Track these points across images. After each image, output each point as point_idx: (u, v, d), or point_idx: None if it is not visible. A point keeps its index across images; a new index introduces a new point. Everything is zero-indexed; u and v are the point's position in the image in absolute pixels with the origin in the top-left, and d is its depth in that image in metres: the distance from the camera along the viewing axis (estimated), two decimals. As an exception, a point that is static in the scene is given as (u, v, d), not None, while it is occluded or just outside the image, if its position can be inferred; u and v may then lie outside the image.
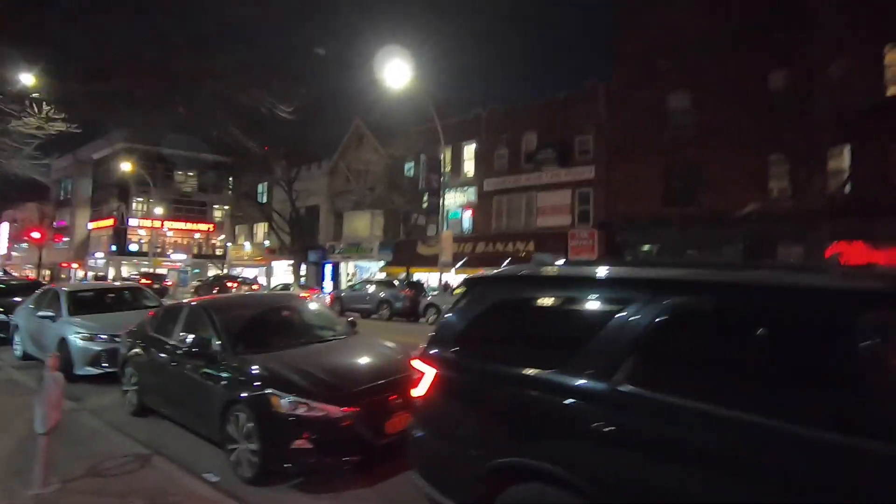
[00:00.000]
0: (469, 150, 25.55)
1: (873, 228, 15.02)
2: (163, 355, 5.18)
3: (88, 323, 7.45)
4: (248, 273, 36.40)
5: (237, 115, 15.63)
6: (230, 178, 40.29)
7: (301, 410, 3.74)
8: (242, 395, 4.04)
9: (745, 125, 17.41)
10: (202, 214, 54.10)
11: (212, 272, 44.92)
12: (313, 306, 5.85)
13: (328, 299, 22.61)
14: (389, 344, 5.25)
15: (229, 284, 25.67)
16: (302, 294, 21.29)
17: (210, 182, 52.33)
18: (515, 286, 2.82)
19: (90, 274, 46.95)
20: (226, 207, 54.22)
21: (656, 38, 19.61)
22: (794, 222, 16.35)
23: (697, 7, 18.58)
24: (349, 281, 30.85)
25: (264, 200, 35.71)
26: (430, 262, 24.00)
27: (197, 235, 53.37)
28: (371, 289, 19.27)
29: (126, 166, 35.58)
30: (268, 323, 5.30)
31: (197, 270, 44.91)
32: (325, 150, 32.34)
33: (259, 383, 4.01)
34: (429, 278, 22.74)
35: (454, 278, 22.08)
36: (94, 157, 49.49)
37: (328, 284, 31.21)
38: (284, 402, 3.78)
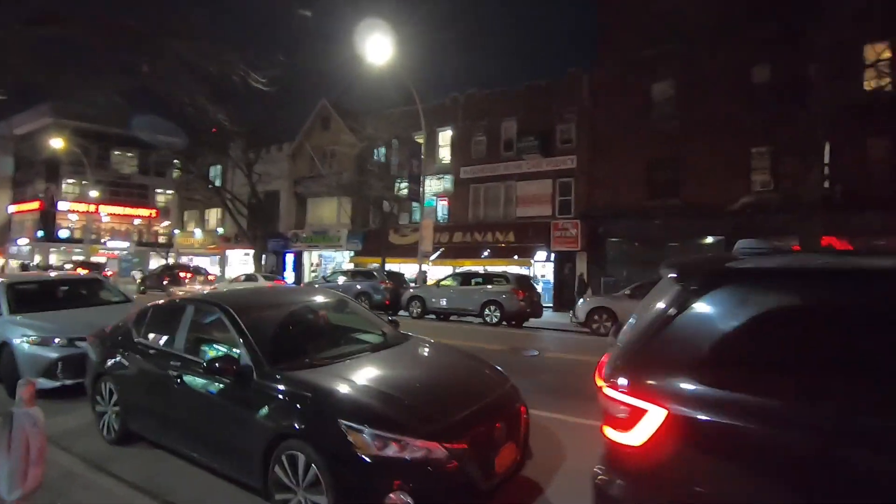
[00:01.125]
0: (445, 137, 24.53)
1: (856, 222, 15.45)
2: (160, 370, 3.97)
3: (38, 323, 5.98)
4: (198, 262, 33.76)
5: (201, 86, 13.83)
6: (175, 160, 37.23)
7: (391, 450, 2.74)
8: (298, 426, 2.97)
9: (729, 117, 17.43)
10: (143, 199, 50.19)
11: (154, 262, 41.58)
12: (346, 302, 4.76)
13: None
14: (460, 351, 4.28)
15: (182, 275, 23.48)
16: (267, 286, 19.70)
17: (153, 163, 48.63)
18: (802, 284, 1.93)
19: (13, 263, 42.33)
20: (170, 192, 50.56)
21: (641, 26, 19.30)
22: (776, 215, 16.56)
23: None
24: (313, 271, 29.22)
25: (218, 184, 33.17)
26: (404, 252, 22.98)
27: (137, 221, 49.47)
28: (346, 280, 18.00)
29: (57, 143, 31.97)
30: (302, 326, 4.19)
31: (136, 259, 41.40)
32: (285, 131, 30.33)
33: (323, 411, 2.96)
34: (401, 269, 21.64)
35: (429, 269, 21.12)
36: (17, 133, 44.51)
37: (290, 275, 29.40)
38: (366, 437, 2.76)
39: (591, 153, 20.31)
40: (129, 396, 4.28)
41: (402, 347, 4.05)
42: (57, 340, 5.72)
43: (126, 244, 45.06)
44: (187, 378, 3.69)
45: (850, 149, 15.95)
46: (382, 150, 26.29)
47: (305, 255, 29.45)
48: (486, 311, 14.36)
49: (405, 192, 21.86)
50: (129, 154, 48.59)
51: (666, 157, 18.77)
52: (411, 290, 16.48)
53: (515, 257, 20.22)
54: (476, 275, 15.50)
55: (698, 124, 18.07)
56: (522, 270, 20.32)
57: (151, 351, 4.18)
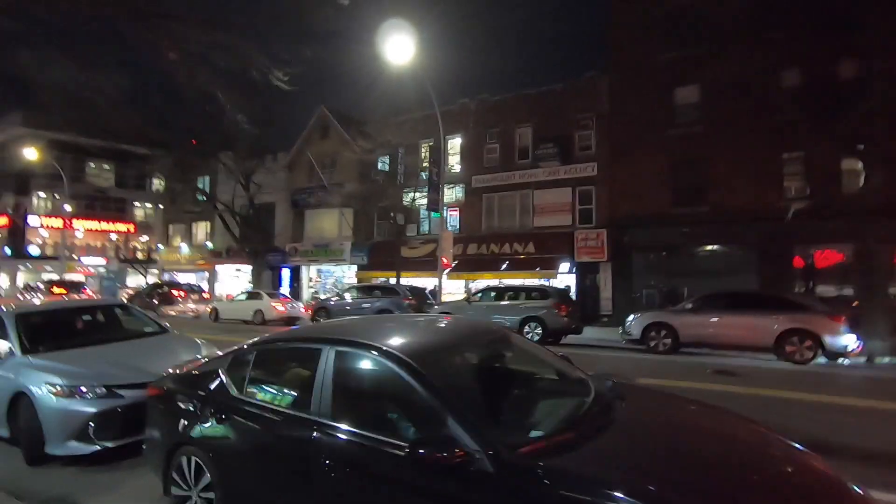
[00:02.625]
0: (454, 145, 23.56)
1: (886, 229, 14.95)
2: (291, 444, 2.75)
3: (64, 366, 4.62)
4: (184, 279, 31.76)
5: (212, 82, 12.55)
6: (158, 172, 35.26)
7: None
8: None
9: (757, 122, 16.95)
10: (120, 213, 47.75)
11: (132, 279, 39.23)
12: (508, 336, 3.58)
13: (302, 309, 19.65)
14: (701, 403, 3.15)
15: (174, 293, 21.71)
16: (273, 304, 18.29)
17: (131, 176, 46.45)
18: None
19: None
20: (149, 206, 48.29)
21: (657, 29, 18.84)
22: (809, 223, 16.02)
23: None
24: (311, 287, 27.70)
25: (205, 196, 31.44)
26: (415, 266, 21.77)
27: (114, 237, 46.97)
28: (361, 296, 16.70)
29: (31, 154, 29.79)
30: (497, 377, 3.01)
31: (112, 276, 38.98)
32: (279, 141, 29.00)
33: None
34: (413, 284, 20.41)
35: (446, 283, 19.95)
36: (-16, 144, 41.82)
37: (285, 291, 27.77)
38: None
39: (612, 160, 19.58)
40: (234, 479, 3.03)
41: (635, 406, 2.89)
42: (93, 390, 4.38)
43: (101, 261, 42.59)
44: (339, 457, 2.49)
45: (884, 157, 15.54)
46: (387, 158, 25.14)
47: (303, 269, 27.91)
48: (527, 329, 13.28)
49: (419, 201, 20.74)
50: (106, 166, 46.32)
51: (691, 162, 18.13)
52: (437, 307, 15.29)
53: (538, 269, 19.23)
54: (512, 289, 14.45)
55: (725, 129, 17.53)
56: (543, 283, 19.36)
57: (270, 415, 2.95)
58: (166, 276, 33.45)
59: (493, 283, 20.97)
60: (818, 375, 9.02)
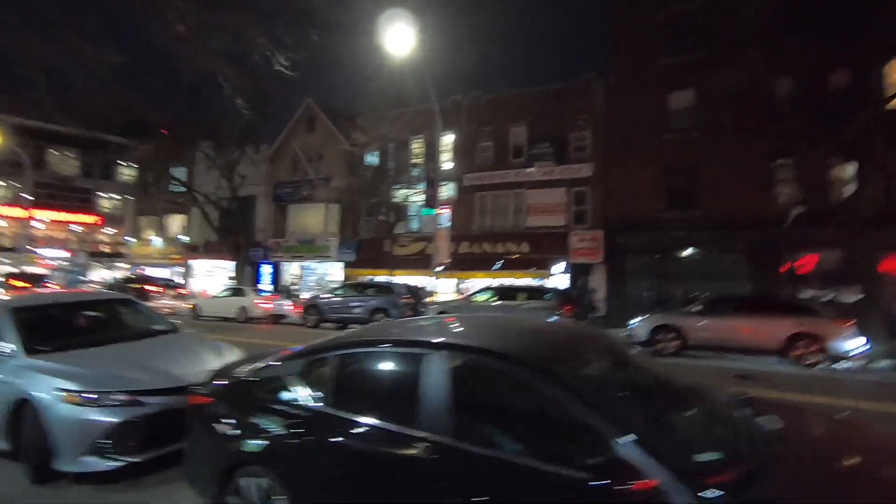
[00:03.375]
0: (446, 142, 23.12)
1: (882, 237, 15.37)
2: (397, 466, 2.34)
3: (75, 369, 4.04)
4: (153, 274, 30.26)
5: (203, 68, 11.87)
6: (132, 160, 33.59)
7: None
8: None
9: (750, 129, 17.17)
10: (85, 203, 45.47)
11: (96, 273, 37.30)
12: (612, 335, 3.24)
13: (291, 307, 18.90)
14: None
15: (149, 289, 20.58)
16: (257, 301, 17.55)
17: (98, 165, 44.39)
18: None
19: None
20: (116, 197, 46.27)
21: (655, 34, 18.91)
22: (799, 229, 16.33)
23: (699, 3, 18.12)
24: (293, 284, 26.84)
25: (183, 188, 30.11)
26: (405, 264, 21.29)
27: (78, 229, 44.68)
28: (355, 294, 16.14)
29: (-9, 138, 27.84)
30: (644, 393, 2.63)
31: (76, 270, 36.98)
32: (262, 132, 27.95)
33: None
34: (399, 282, 19.92)
35: (434, 283, 19.55)
36: (-64, 126, 39.12)
37: (265, 287, 26.81)
38: None
39: (607, 161, 19.57)
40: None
41: (792, 422, 2.57)
42: (111, 397, 3.83)
43: (64, 253, 40.46)
44: (467, 481, 2.11)
45: (873, 165, 15.96)
46: (376, 154, 24.57)
47: (284, 265, 27.02)
48: (529, 330, 13.01)
49: (413, 198, 20.28)
50: (70, 154, 44.08)
51: (685, 167, 18.27)
52: (435, 306, 14.91)
53: (533, 269, 19.03)
54: (513, 289, 14.22)
55: (719, 135, 17.66)
56: (543, 283, 19.21)
57: (365, 430, 2.52)
58: (135, 271, 31.87)
59: (488, 282, 20.73)
60: (835, 380, 9.06)
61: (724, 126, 17.57)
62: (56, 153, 43.99)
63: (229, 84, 11.39)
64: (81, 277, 32.53)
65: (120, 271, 36.24)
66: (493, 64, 34.93)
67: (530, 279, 18.73)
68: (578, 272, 19.70)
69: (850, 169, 16.38)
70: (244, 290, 18.62)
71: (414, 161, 23.38)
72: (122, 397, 3.84)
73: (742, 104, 17.31)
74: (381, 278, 21.86)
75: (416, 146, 23.61)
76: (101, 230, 43.43)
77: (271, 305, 17.74)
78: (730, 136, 17.46)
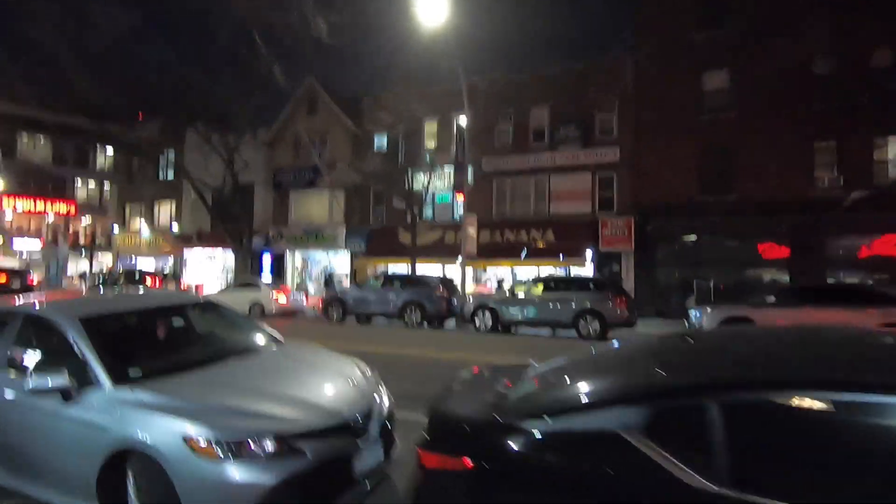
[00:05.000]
0: (462, 125, 21.96)
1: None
2: None
3: (190, 403, 2.92)
4: (142, 265, 28.40)
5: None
6: (122, 146, 31.42)
7: None
8: None
9: (789, 109, 16.56)
10: (59, 192, 42.89)
11: (72, 265, 35.14)
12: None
13: (306, 302, 17.67)
14: None
15: (148, 282, 19.01)
16: (274, 295, 16.29)
17: (72, 151, 41.98)
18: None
19: None
20: (91, 183, 44.04)
21: (689, 7, 18.08)
22: (841, 213, 15.84)
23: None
24: (300, 275, 25.50)
25: (171, 174, 28.30)
26: (422, 254, 20.16)
27: (51, 218, 42.15)
28: (386, 288, 15.02)
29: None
30: None
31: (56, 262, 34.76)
32: (259, 115, 26.29)
33: None
34: (433, 274, 18.87)
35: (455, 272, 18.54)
36: None
37: (266, 279, 25.39)
38: None
39: (636, 144, 18.75)
40: None
41: None
42: (260, 443, 2.73)
43: (36, 244, 38.15)
44: None
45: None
46: (385, 138, 23.27)
47: (287, 256, 25.60)
48: (582, 323, 12.17)
49: (435, 183, 19.18)
50: (42, 139, 41.43)
51: (720, 149, 17.57)
52: (473, 300, 13.92)
53: (561, 257, 18.17)
54: (562, 280, 13.32)
55: (756, 116, 17.04)
56: (559, 272, 18.41)
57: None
58: (126, 262, 29.92)
59: (505, 272, 19.85)
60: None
61: (761, 106, 16.93)
62: (27, 139, 41.39)
63: (263, 53, 10.01)
64: (60, 270, 30.50)
65: (101, 263, 34.18)
66: (512, 43, 33.60)
67: (562, 268, 17.90)
68: (605, 260, 18.93)
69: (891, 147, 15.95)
70: (256, 284, 17.26)
71: (428, 146, 22.17)
72: (273, 445, 2.75)
73: (780, 83, 16.68)
74: (394, 269, 20.78)
75: (430, 129, 22.38)
76: (80, 219, 41.02)
77: (287, 300, 16.48)
78: (769, 116, 16.84)
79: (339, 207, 23.84)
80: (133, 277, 18.93)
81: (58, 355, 3.39)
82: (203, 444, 2.67)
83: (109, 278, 19.29)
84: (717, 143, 17.57)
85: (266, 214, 25.89)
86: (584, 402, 2.10)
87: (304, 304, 16.97)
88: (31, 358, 3.45)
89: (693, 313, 11.69)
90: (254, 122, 22.66)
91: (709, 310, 11.24)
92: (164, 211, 29.59)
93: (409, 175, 20.36)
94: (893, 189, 15.31)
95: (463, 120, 19.97)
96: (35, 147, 41.50)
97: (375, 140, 23.41)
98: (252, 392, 3.17)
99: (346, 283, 22.94)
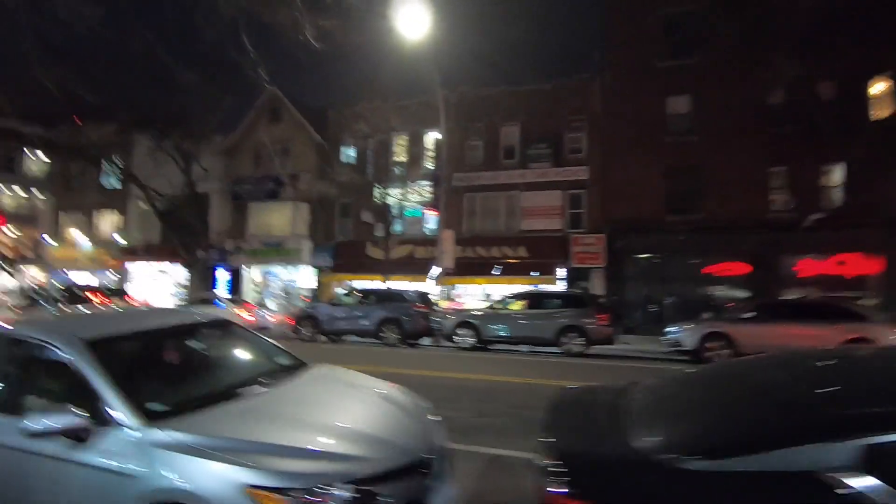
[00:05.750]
0: (431, 140, 21.85)
1: (869, 239, 16.15)
2: None
3: (240, 442, 2.40)
4: (77, 279, 26.01)
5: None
6: (47, 149, 28.91)
7: None
8: None
9: (747, 135, 17.53)
10: (-21, 200, 39.04)
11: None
12: None
13: (272, 319, 16.70)
14: None
15: (90, 298, 17.32)
16: (237, 311, 15.31)
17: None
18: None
19: None
20: (15, 188, 40.49)
21: (651, 36, 18.90)
22: (796, 233, 16.81)
23: (691, 8, 18.29)
24: (256, 291, 24.21)
25: (116, 183, 26.34)
26: (392, 269, 19.66)
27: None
28: (359, 303, 14.40)
29: None
30: None
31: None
32: (220, 122, 25.07)
33: None
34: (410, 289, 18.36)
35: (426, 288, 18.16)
36: None
37: (221, 294, 23.90)
38: None
39: (605, 163, 19.23)
40: None
41: None
42: (337, 493, 2.27)
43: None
44: None
45: (863, 170, 16.70)
46: (353, 151, 22.76)
47: (244, 271, 24.26)
48: (564, 339, 12.10)
49: (409, 197, 18.80)
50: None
51: (685, 169, 18.28)
52: (453, 316, 13.58)
53: (534, 274, 18.20)
54: (543, 295, 13.26)
55: (718, 138, 17.91)
56: (530, 288, 18.42)
57: None
58: (60, 276, 27.29)
59: (478, 289, 19.67)
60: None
61: (723, 129, 17.82)
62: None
63: (251, 52, 9.43)
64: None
65: (29, 278, 31.10)
66: (484, 60, 33.96)
67: (533, 284, 17.89)
68: (576, 277, 19.15)
69: (841, 173, 17.16)
70: (213, 299, 16.12)
71: (397, 159, 21.84)
72: (351, 491, 2.30)
73: (740, 108, 17.65)
74: (360, 284, 20.11)
75: (400, 143, 22.09)
76: (3, 230, 37.31)
77: (253, 317, 15.46)
78: (729, 140, 17.72)
79: (303, 220, 22.95)
80: (73, 293, 17.18)
81: (55, 387, 2.78)
82: (266, 492, 2.19)
83: (46, 294, 17.43)
84: (682, 164, 18.29)
85: (222, 226, 24.48)
86: (762, 437, 1.83)
87: (271, 321, 15.99)
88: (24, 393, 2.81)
89: (672, 330, 11.89)
90: (215, 129, 21.53)
91: (690, 326, 11.45)
92: (106, 221, 27.43)
93: (381, 189, 19.89)
94: (842, 212, 16.43)
95: (437, 134, 19.89)
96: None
97: (342, 152, 22.83)
98: (307, 426, 2.69)
99: (307, 298, 22.01)
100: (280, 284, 24.04)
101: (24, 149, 34.51)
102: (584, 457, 2.02)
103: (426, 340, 14.32)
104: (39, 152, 32.78)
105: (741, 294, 17.12)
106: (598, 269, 18.72)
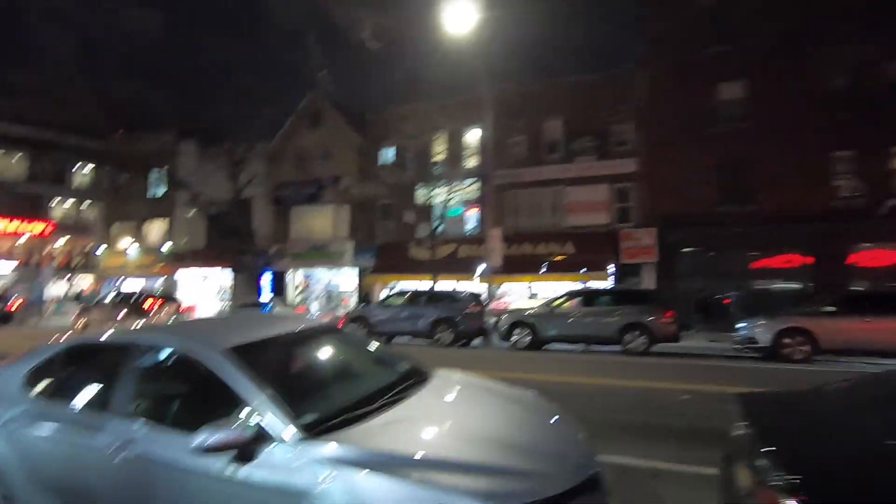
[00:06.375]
0: (472, 137, 21.65)
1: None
2: None
3: (420, 457, 2.26)
4: (127, 286, 26.90)
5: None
6: (103, 161, 30.00)
7: None
8: None
9: (807, 119, 16.67)
10: (34, 211, 40.83)
11: (50, 287, 33.21)
12: None
13: (322, 319, 16.76)
14: None
15: (147, 305, 17.83)
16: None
17: (48, 168, 40.20)
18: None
19: None
20: (71, 201, 42.22)
21: (701, 21, 18.19)
22: (863, 223, 15.91)
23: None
24: (299, 293, 24.53)
25: (161, 191, 27.16)
26: (435, 269, 19.52)
27: (24, 238, 39.97)
28: (410, 304, 14.32)
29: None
30: None
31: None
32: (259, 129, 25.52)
33: None
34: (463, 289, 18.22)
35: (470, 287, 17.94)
36: None
37: (267, 298, 24.31)
38: None
39: (653, 155, 18.63)
40: None
41: None
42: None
43: (9, 267, 36.02)
44: None
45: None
46: (392, 152, 22.77)
47: (288, 274, 24.60)
48: (628, 337, 11.71)
49: (437, 197, 18.75)
50: (16, 155, 39.57)
51: (738, 160, 17.56)
52: (507, 315, 13.34)
53: (583, 271, 17.77)
54: (604, 293, 12.89)
55: (773, 126, 17.11)
56: (579, 286, 18.00)
57: None
58: (115, 283, 28.33)
59: (523, 287, 19.39)
60: None
61: (778, 117, 17.02)
62: (3, 156, 39.58)
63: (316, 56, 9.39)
64: (43, 292, 28.76)
65: (82, 285, 32.41)
66: (525, 55, 33.65)
67: (582, 281, 17.48)
68: (626, 273, 18.63)
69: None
70: (259, 303, 16.32)
71: (438, 159, 21.73)
72: (542, 512, 2.11)
73: (796, 94, 16.82)
74: (406, 285, 20.10)
75: (441, 142, 21.97)
76: (59, 240, 38.99)
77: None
78: (785, 128, 16.92)
79: (345, 223, 23.10)
80: (130, 300, 17.72)
81: (197, 399, 2.69)
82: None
83: (102, 300, 18.00)
84: (735, 154, 17.56)
85: (265, 230, 24.92)
86: None
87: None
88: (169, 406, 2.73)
89: (742, 325, 11.36)
90: (260, 134, 21.93)
91: (762, 322, 10.89)
92: (155, 229, 28.28)
93: (424, 189, 19.82)
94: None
95: (479, 132, 19.69)
96: (9, 165, 39.58)
97: (383, 154, 22.88)
98: (474, 439, 2.52)
99: (351, 301, 22.18)
100: (321, 287, 24.27)
101: (76, 161, 36.03)
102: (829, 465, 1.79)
103: (476, 341, 14.17)
104: (90, 164, 34.21)
105: (799, 287, 16.32)
106: (648, 264, 18.16)
